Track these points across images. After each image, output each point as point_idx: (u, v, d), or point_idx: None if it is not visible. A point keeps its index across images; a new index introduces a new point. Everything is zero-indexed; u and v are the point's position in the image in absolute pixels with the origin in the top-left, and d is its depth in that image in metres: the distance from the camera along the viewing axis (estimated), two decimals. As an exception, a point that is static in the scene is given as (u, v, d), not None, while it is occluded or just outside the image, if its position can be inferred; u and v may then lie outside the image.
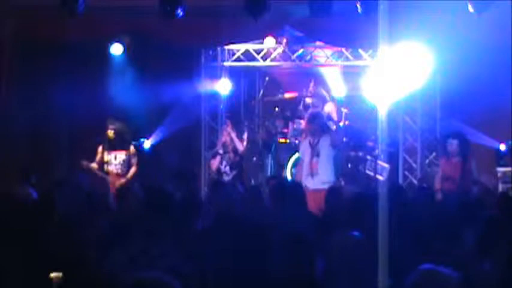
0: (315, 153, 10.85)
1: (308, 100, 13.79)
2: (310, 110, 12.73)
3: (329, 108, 13.62)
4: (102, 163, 12.00)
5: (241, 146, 12.56)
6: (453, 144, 10.89)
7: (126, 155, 12.03)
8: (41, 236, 5.89)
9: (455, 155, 10.86)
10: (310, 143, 10.95)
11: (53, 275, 4.95)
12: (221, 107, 14.54)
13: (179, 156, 13.66)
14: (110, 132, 12.01)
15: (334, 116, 13.14)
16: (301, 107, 13.86)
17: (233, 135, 12.82)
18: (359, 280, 4.40)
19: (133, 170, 12.03)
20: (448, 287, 3.74)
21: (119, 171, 11.96)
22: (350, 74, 14.25)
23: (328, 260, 4.73)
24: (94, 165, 11.96)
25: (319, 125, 11.07)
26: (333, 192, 8.23)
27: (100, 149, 12.06)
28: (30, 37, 12.25)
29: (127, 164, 12.01)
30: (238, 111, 15.20)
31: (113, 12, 11.39)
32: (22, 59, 12.71)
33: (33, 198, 9.46)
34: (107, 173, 11.97)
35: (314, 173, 10.70)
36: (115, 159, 12.00)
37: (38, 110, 12.73)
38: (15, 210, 6.25)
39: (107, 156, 12.00)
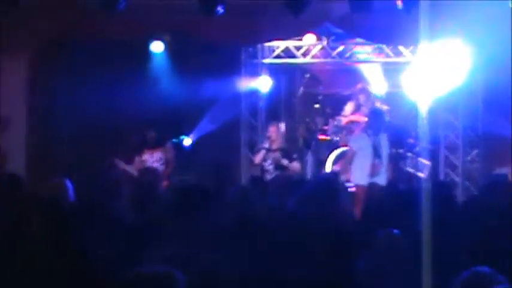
0: (376, 153, 10.82)
1: (362, 98, 13.69)
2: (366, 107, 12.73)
3: (373, 104, 13.50)
4: (140, 163, 11.99)
5: (297, 167, 12.34)
6: None
7: (162, 152, 12.06)
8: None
9: None
10: (370, 141, 10.87)
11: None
12: (261, 104, 14.49)
13: (219, 153, 13.65)
14: (147, 131, 12.06)
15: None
16: (353, 103, 13.75)
17: (280, 134, 12.70)
18: (401, 279, 4.33)
19: (171, 167, 12.07)
20: None
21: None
22: (390, 71, 14.16)
23: (369, 259, 4.70)
24: (127, 165, 11.96)
25: (380, 123, 11.03)
26: (373, 190, 8.18)
27: (137, 148, 12.11)
28: (71, 36, 12.36)
29: (164, 162, 12.03)
30: (278, 108, 15.13)
31: (153, 9, 11.41)
32: (63, 59, 12.84)
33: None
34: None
35: (375, 175, 10.64)
36: (152, 158, 12.03)
37: (78, 109, 12.85)
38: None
39: (144, 155, 12.04)
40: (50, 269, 4.57)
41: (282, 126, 14.24)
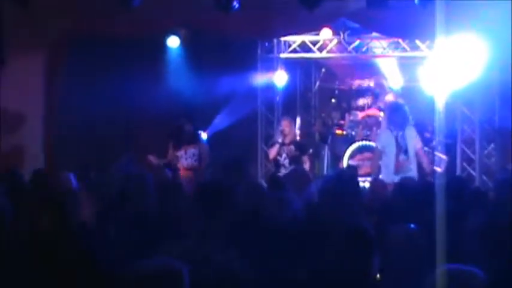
0: (401, 149, 10.72)
1: (377, 91, 13.63)
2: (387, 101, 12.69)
3: (389, 98, 13.58)
4: (172, 159, 12.06)
5: (307, 165, 12.30)
6: None
7: (196, 148, 12.08)
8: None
9: None
10: (394, 137, 10.80)
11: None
12: (277, 98, 14.46)
13: (236, 149, 13.65)
14: (187, 127, 12.07)
15: None
16: (370, 98, 13.69)
17: (293, 127, 12.71)
18: (416, 274, 4.32)
19: (205, 164, 12.10)
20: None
21: (190, 165, 11.98)
22: (407, 65, 14.17)
23: (384, 254, 4.70)
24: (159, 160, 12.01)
25: (402, 117, 10.95)
26: (385, 184, 8.18)
27: (170, 145, 12.10)
28: (86, 32, 12.34)
29: (198, 158, 12.05)
30: (294, 103, 15.14)
31: (168, 5, 11.42)
32: (78, 55, 12.83)
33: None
34: (178, 168, 11.98)
35: (401, 171, 10.51)
36: (185, 154, 12.03)
37: (94, 105, 12.83)
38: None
39: (177, 152, 12.04)
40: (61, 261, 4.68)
41: (298, 120, 14.52)
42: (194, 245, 4.69)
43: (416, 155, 10.90)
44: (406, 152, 10.76)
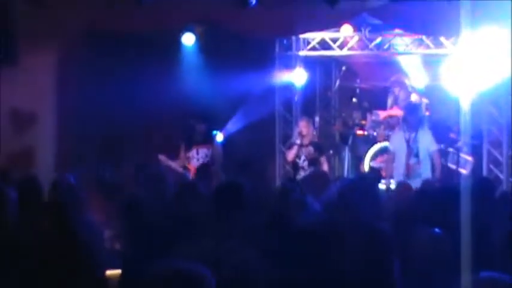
0: (412, 152, 10.73)
1: (400, 91, 13.63)
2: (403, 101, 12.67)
3: (413, 98, 13.52)
4: (185, 160, 12.08)
5: (326, 167, 12.24)
6: None
7: (208, 149, 12.10)
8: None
9: None
10: (405, 139, 10.77)
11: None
12: (296, 98, 14.42)
13: (253, 149, 13.64)
14: (200, 127, 12.10)
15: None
16: (392, 97, 13.64)
17: (311, 128, 12.71)
18: (440, 281, 4.32)
19: (218, 165, 12.14)
20: None
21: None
22: (431, 63, 14.03)
23: (406, 259, 4.69)
24: (172, 161, 12.04)
25: (417, 118, 10.92)
26: (410, 187, 8.12)
27: (182, 146, 12.12)
28: (100, 29, 12.40)
29: (210, 159, 12.06)
30: (314, 102, 15.10)
31: (184, 0, 11.42)
32: (91, 53, 12.87)
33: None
34: (189, 169, 12.00)
35: (411, 175, 10.54)
36: (197, 155, 12.06)
37: (107, 104, 12.79)
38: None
39: (189, 152, 12.05)
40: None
41: (317, 120, 14.49)
42: (212, 246, 4.73)
43: (430, 157, 10.88)
44: (417, 154, 10.78)
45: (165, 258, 4.20)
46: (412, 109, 11.35)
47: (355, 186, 7.13)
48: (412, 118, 11.01)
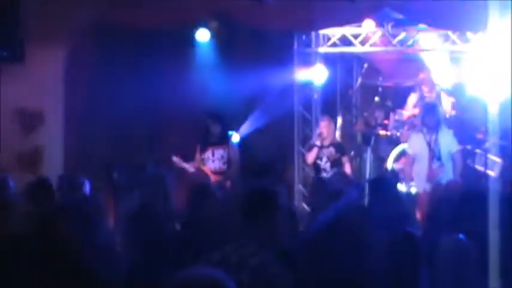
0: (434, 155, 10.71)
1: (425, 89, 13.56)
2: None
3: (444, 97, 13.47)
4: (200, 161, 12.04)
5: (349, 168, 12.19)
6: None
7: (224, 150, 12.04)
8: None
9: None
10: (426, 141, 10.76)
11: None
12: (315, 96, 14.38)
13: (270, 151, 13.60)
14: (215, 128, 12.01)
15: (447, 108, 13.09)
16: (416, 96, 13.64)
17: (332, 128, 12.67)
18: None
19: (234, 167, 12.04)
20: None
21: (217, 169, 11.94)
22: (457, 60, 14.02)
23: (434, 268, 4.72)
24: (186, 163, 12.03)
25: (435, 119, 10.89)
26: (437, 191, 8.17)
27: (197, 147, 12.07)
28: (110, 24, 12.39)
29: (226, 161, 11.99)
30: (334, 101, 15.07)
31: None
32: (101, 50, 12.91)
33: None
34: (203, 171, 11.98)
35: (434, 179, 10.48)
36: (212, 156, 12.01)
37: (118, 104, 12.88)
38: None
39: (204, 153, 12.02)
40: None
41: (339, 120, 14.44)
42: (232, 250, 4.83)
43: (452, 159, 10.88)
44: (439, 157, 10.76)
45: (183, 264, 4.16)
46: (429, 109, 11.33)
47: (375, 188, 7.52)
48: (431, 119, 10.99)
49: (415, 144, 11.09)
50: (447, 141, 10.90)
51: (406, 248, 4.79)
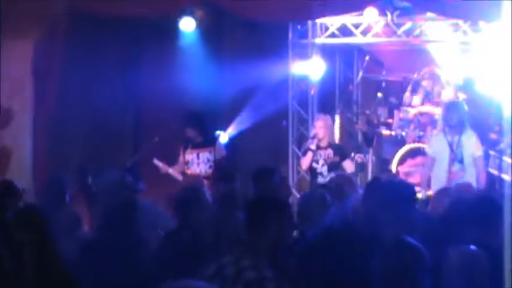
0: (456, 157, 10.77)
1: (424, 83, 13.68)
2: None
3: (449, 94, 13.54)
4: (183, 165, 12.08)
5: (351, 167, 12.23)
6: None
7: (211, 152, 12.07)
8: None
9: None
10: (448, 142, 10.81)
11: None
12: (312, 92, 14.35)
13: (262, 153, 13.62)
14: (189, 131, 12.02)
15: None
16: (423, 92, 13.69)
17: (330, 127, 12.56)
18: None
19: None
20: None
21: (202, 172, 11.92)
22: (469, 52, 14.01)
23: (442, 280, 4.81)
24: (169, 167, 12.07)
25: (460, 119, 10.94)
26: (444, 195, 8.15)
27: (181, 148, 12.11)
28: (85, 14, 12.35)
29: (213, 164, 12.00)
30: (333, 97, 15.07)
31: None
32: (76, 41, 12.84)
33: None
34: (186, 175, 11.97)
35: (454, 183, 10.23)
36: (197, 159, 12.03)
37: (95, 100, 12.94)
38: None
39: (188, 156, 12.04)
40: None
41: (337, 119, 14.36)
42: (228, 263, 4.99)
43: (475, 164, 10.93)
44: (461, 160, 10.81)
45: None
46: (453, 108, 11.34)
47: (381, 196, 7.21)
48: (454, 118, 11.02)
49: (435, 145, 11.18)
50: (471, 144, 10.96)
51: (403, 259, 4.85)
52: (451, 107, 11.44)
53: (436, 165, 11.06)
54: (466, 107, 11.39)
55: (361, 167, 13.12)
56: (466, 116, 11.12)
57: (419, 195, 10.91)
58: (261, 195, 6.76)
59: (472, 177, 10.83)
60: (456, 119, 11.01)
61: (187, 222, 7.26)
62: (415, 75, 14.03)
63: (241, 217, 6.27)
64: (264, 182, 8.69)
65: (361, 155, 12.71)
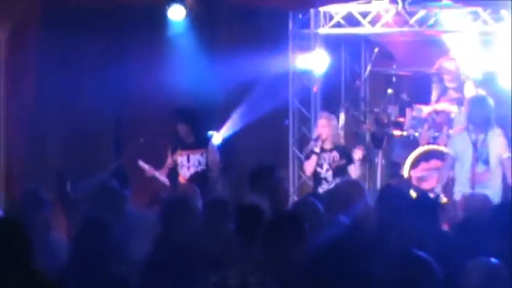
0: (480, 157, 10.66)
1: (448, 78, 13.50)
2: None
3: (468, 89, 13.37)
4: (172, 167, 12.10)
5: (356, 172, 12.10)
6: None
7: (202, 154, 12.02)
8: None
9: None
10: (471, 140, 10.68)
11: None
12: (314, 88, 14.21)
13: (259, 155, 13.23)
14: (180, 128, 12.00)
15: None
16: (438, 87, 13.62)
17: (335, 127, 12.48)
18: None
19: (214, 174, 12.08)
20: None
21: (193, 175, 11.95)
22: (489, 44, 13.79)
23: None
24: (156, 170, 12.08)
25: (485, 115, 10.80)
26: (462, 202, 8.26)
27: (169, 149, 12.14)
28: (63, 4, 12.46)
29: (205, 167, 12.01)
30: (338, 94, 14.93)
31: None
32: (54, 33, 12.79)
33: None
34: (177, 179, 12.05)
35: (478, 186, 10.39)
36: (188, 162, 12.00)
37: (74, 98, 12.82)
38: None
39: (177, 158, 12.04)
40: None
41: (342, 117, 14.32)
42: (233, 274, 5.25)
43: (502, 165, 10.80)
44: (486, 161, 10.69)
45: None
46: (477, 103, 11.20)
47: (392, 202, 7.53)
48: (480, 115, 10.85)
49: (457, 144, 11.07)
50: (498, 144, 10.82)
51: (410, 272, 4.80)
52: (476, 103, 11.34)
53: (457, 165, 10.96)
54: (492, 103, 11.22)
55: (366, 161, 13.10)
56: (492, 113, 11.00)
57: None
58: (282, 216, 6.63)
59: (497, 180, 10.77)
60: (482, 116, 10.88)
61: (173, 235, 7.27)
62: (434, 69, 13.87)
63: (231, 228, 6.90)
64: (262, 181, 8.61)
65: (361, 147, 12.40)
